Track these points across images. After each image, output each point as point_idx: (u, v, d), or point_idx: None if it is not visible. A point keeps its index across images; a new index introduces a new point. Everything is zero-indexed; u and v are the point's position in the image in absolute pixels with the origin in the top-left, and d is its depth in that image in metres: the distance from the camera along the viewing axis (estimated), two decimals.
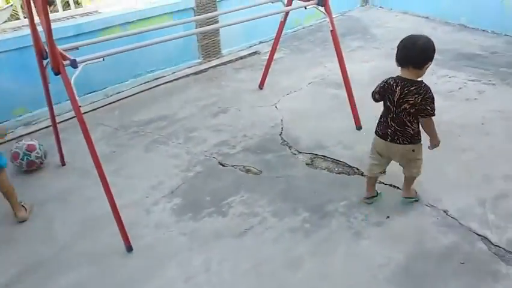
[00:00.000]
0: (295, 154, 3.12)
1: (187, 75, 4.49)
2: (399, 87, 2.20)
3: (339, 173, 2.90)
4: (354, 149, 3.13)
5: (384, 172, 2.54)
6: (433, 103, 2.19)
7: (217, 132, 3.44)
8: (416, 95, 2.16)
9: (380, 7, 6.59)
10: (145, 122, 3.64)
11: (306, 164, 3.00)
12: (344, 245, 2.30)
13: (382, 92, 2.30)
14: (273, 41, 3.88)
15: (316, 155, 3.10)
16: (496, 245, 2.25)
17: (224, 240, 2.37)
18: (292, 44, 5.29)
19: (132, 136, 3.44)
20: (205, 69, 4.63)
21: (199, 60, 4.71)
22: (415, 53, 2.15)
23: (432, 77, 4.22)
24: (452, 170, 2.85)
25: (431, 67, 4.17)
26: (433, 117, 2.24)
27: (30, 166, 3.00)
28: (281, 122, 3.56)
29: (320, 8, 3.15)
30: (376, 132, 2.42)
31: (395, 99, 2.22)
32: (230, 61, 4.82)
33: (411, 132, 2.27)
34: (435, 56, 3.83)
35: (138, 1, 4.26)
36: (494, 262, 2.16)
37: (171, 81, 4.38)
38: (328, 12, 3.17)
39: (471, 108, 3.61)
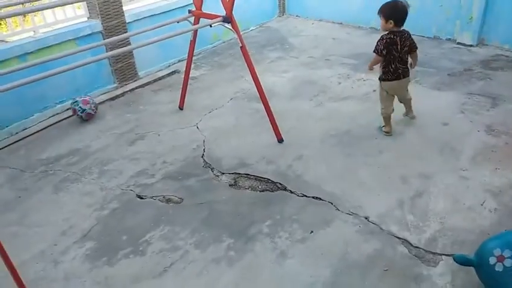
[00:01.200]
0: (218, 176, 3.01)
1: (102, 102, 4.22)
2: (398, 37, 3.07)
3: (262, 191, 2.83)
4: (277, 163, 3.09)
5: (393, 110, 3.33)
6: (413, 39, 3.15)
7: (135, 161, 3.24)
8: (409, 38, 3.12)
9: (297, 16, 6.74)
10: (55, 158, 3.35)
11: (230, 185, 2.90)
12: (269, 268, 2.22)
13: (387, 47, 3.08)
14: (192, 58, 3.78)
15: (240, 174, 3.01)
16: (415, 247, 2.30)
17: (143, 284, 2.19)
18: (212, 60, 5.21)
19: (40, 177, 3.14)
20: (121, 94, 4.39)
21: (115, 85, 4.47)
22: (400, 15, 3.02)
23: (348, 81, 4.35)
24: (370, 174, 2.90)
25: (348, 72, 4.14)
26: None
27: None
28: (203, 143, 3.44)
29: (226, 25, 3.09)
30: (386, 79, 3.22)
31: (399, 47, 3.08)
32: (148, 83, 4.62)
33: (409, 66, 3.21)
34: (351, 61, 4.48)
35: (37, 29, 3.94)
36: (415, 265, 2.19)
37: None
38: (235, 28, 3.12)
39: None
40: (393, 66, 3.13)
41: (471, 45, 4.96)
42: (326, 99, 4.02)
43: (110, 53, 3.51)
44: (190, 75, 3.91)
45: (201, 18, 3.32)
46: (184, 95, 3.96)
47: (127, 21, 4.37)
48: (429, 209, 2.54)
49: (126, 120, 3.87)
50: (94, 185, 2.99)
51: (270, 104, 3.32)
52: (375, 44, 3.12)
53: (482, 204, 2.54)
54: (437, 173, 2.85)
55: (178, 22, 3.25)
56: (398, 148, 3.17)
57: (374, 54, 3.15)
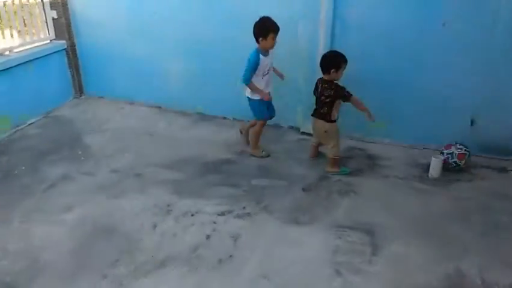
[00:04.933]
0: None
1: None
2: (321, 84, 3.29)
3: None
4: None
5: (321, 143, 3.55)
6: (345, 89, 3.21)
7: None
8: (329, 90, 3.22)
9: (101, 97, 5.05)
10: None
11: None
12: None
13: (315, 87, 3.38)
14: None
15: None
16: None
17: None
18: None
19: None
20: None
21: None
22: (321, 63, 3.26)
23: (169, 219, 2.83)
24: None
25: (168, 199, 3.08)
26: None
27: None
28: None
29: None
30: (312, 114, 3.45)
31: (319, 91, 3.32)
32: None
33: (323, 112, 3.31)
34: (174, 174, 3.39)
35: None
36: None
37: None
38: None
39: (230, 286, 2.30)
40: (315, 105, 3.40)
41: None
42: (131, 271, 2.38)
43: None
44: None
45: None
46: None
47: None
48: None
49: None
50: None
51: None
52: None
53: None
54: None
55: None
56: None
57: None
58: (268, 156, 3.69)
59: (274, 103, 4.05)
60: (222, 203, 2.99)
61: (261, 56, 3.39)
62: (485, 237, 2.58)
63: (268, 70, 3.49)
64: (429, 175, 3.31)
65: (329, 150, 3.38)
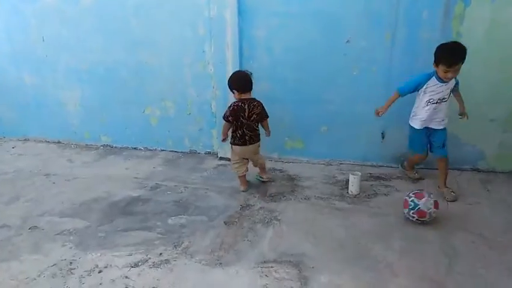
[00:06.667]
0: None
1: None
2: (247, 105, 3.12)
3: None
4: None
5: (247, 169, 3.36)
6: (265, 109, 3.24)
7: None
8: (258, 107, 3.17)
9: None
10: None
11: None
12: None
13: (234, 114, 3.11)
14: None
15: None
16: None
17: None
18: None
19: None
20: None
21: None
22: (244, 83, 3.11)
23: (72, 280, 2.41)
24: None
25: (71, 255, 2.64)
26: None
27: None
28: None
29: None
30: (236, 144, 3.23)
31: (246, 114, 3.13)
32: None
33: (258, 132, 3.26)
34: (76, 223, 3.02)
35: None
36: None
37: None
38: None
39: None
40: (240, 132, 3.17)
41: None
42: None
43: None
44: None
45: None
46: None
47: None
48: None
49: None
50: None
51: None
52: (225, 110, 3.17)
53: None
54: None
55: None
56: None
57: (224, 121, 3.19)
58: (420, 178, 3.49)
59: (188, 129, 3.78)
60: (135, 251, 2.66)
61: (433, 78, 2.99)
62: (408, 255, 2.58)
63: (440, 100, 3.02)
64: (349, 192, 3.31)
65: (261, 160, 3.43)
